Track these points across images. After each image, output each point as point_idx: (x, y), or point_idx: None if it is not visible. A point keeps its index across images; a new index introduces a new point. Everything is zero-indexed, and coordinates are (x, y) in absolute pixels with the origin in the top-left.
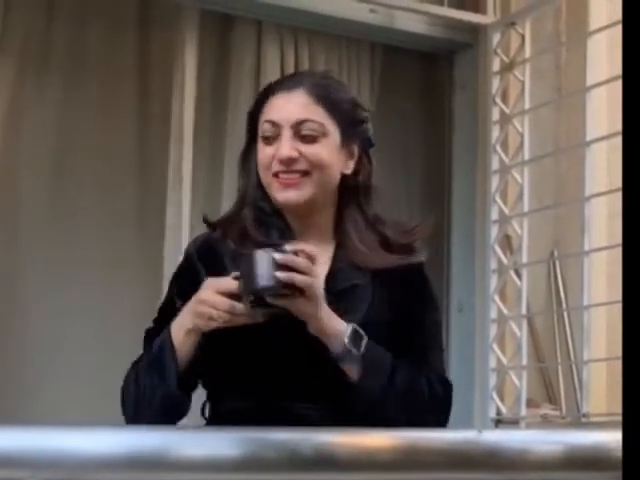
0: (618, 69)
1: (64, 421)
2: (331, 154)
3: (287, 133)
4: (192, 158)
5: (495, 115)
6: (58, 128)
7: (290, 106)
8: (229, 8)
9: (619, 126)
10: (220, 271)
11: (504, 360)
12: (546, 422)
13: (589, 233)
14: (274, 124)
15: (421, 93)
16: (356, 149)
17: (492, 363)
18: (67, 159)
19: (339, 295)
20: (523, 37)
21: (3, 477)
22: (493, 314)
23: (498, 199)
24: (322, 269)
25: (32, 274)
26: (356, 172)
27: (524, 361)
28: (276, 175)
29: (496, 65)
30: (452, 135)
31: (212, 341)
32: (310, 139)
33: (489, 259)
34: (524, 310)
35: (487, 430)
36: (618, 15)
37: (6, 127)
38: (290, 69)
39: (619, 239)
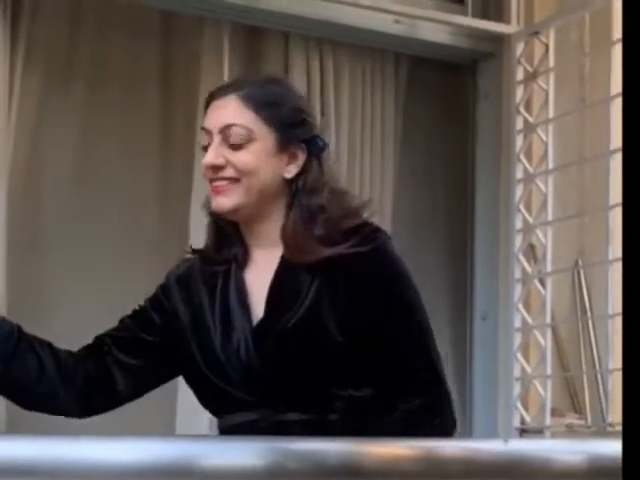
0: None
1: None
2: (261, 159)
3: (216, 139)
4: None
5: (519, 124)
6: (82, 136)
7: (220, 112)
8: (255, 20)
9: None
10: (195, 293)
11: (528, 369)
12: (571, 431)
13: (613, 242)
14: (207, 131)
15: (445, 103)
16: (300, 152)
17: (516, 372)
18: (90, 166)
19: (280, 300)
20: (547, 46)
21: None
22: (517, 323)
23: (522, 208)
24: (269, 273)
25: (56, 273)
26: (301, 175)
27: (548, 370)
28: (210, 182)
29: (520, 74)
30: (476, 144)
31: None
32: (237, 146)
33: (513, 268)
34: (548, 319)
35: (513, 439)
36: None
37: (32, 135)
38: (316, 80)
39: None
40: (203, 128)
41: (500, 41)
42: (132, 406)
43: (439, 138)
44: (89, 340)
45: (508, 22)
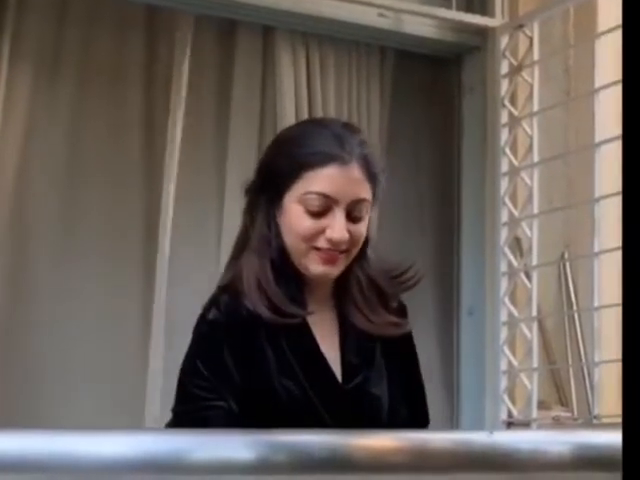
0: None
1: (75, 421)
2: (366, 227)
3: (341, 212)
4: (197, 167)
5: (504, 118)
6: (69, 130)
7: (348, 183)
8: (240, 15)
9: None
10: (255, 347)
11: (515, 362)
12: (558, 424)
13: (599, 234)
14: (328, 199)
15: (430, 96)
16: (376, 204)
17: (503, 366)
18: (78, 159)
19: (351, 362)
20: (531, 40)
21: None
22: (503, 317)
23: (508, 201)
24: (333, 331)
25: (41, 276)
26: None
27: (535, 363)
28: (317, 249)
29: (504, 68)
30: (461, 138)
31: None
32: (358, 219)
33: (499, 262)
34: (534, 312)
35: (497, 431)
36: None
37: (19, 130)
38: (302, 74)
39: None
40: (321, 193)
41: (485, 34)
42: None
43: (424, 132)
44: (75, 342)
45: (492, 15)
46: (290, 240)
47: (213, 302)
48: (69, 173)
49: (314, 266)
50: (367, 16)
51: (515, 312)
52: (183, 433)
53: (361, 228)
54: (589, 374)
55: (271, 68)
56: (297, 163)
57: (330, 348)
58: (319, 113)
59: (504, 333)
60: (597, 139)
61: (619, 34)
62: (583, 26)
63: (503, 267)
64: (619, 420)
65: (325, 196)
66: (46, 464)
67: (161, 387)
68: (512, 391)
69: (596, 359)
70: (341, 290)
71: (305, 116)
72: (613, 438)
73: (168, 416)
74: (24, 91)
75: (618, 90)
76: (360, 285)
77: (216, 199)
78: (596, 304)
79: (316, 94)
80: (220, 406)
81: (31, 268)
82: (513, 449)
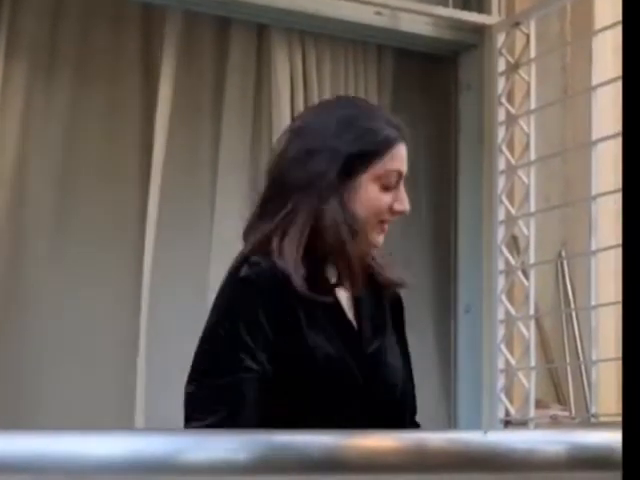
0: None
1: (66, 422)
2: None
3: (402, 184)
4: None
5: (501, 115)
6: (65, 127)
7: (404, 159)
8: (236, 13)
9: None
10: (288, 305)
11: (512, 361)
12: (555, 423)
13: (596, 232)
14: (400, 175)
15: (427, 94)
16: None
17: (500, 364)
18: (73, 156)
19: (372, 330)
20: (528, 37)
21: None
22: (501, 315)
23: (505, 199)
24: (349, 309)
25: (35, 274)
26: None
27: (532, 362)
28: (382, 221)
29: (501, 65)
30: (458, 136)
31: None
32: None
33: (496, 260)
34: (532, 310)
35: (492, 431)
36: None
37: (16, 127)
38: (298, 73)
39: None
40: (397, 170)
41: (482, 32)
42: None
43: (421, 130)
44: (70, 335)
45: (489, 13)
46: (362, 215)
47: (243, 261)
48: (65, 169)
49: (376, 238)
50: (364, 14)
51: (512, 310)
52: (176, 433)
53: None
54: (587, 373)
55: (266, 66)
56: (379, 146)
57: (350, 316)
58: None
59: (501, 331)
60: (594, 137)
61: (616, 31)
62: (580, 23)
63: (500, 265)
64: (617, 419)
65: (398, 173)
66: (37, 465)
67: (150, 384)
68: (509, 390)
69: (594, 358)
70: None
71: None
72: (607, 438)
73: (158, 414)
74: (20, 87)
75: (615, 87)
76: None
77: (208, 197)
78: (593, 302)
79: (312, 93)
80: (255, 370)
81: (25, 265)
82: (508, 449)
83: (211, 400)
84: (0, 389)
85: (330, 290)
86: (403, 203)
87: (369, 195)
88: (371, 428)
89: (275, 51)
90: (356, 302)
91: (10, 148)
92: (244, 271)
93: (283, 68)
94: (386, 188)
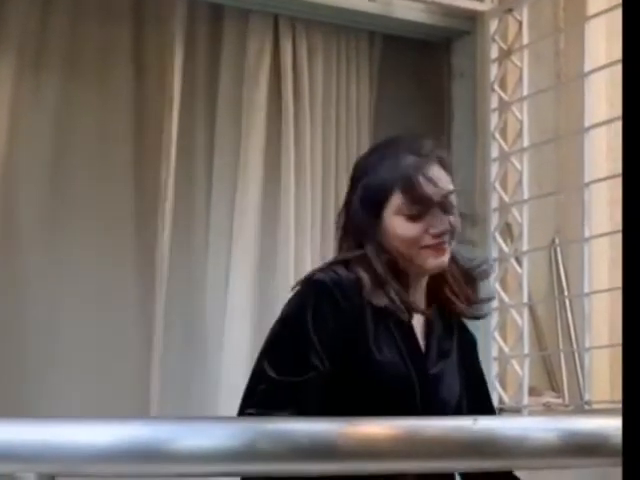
0: (616, 54)
1: (63, 410)
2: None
3: (436, 208)
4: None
5: (494, 102)
6: (56, 121)
7: (438, 180)
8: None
9: (618, 111)
10: (357, 315)
11: (506, 349)
12: (549, 410)
13: (589, 219)
14: (422, 201)
15: (419, 81)
16: None
17: (494, 352)
18: (65, 151)
19: (437, 353)
20: (521, 23)
21: None
22: (494, 302)
23: (498, 187)
24: (420, 330)
25: (30, 273)
26: None
27: (526, 349)
28: (426, 247)
29: (494, 52)
30: (451, 123)
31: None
32: (451, 209)
33: (490, 247)
34: (525, 298)
35: (481, 418)
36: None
37: (5, 122)
38: (288, 60)
39: (620, 225)
40: (414, 199)
41: (474, 19)
42: None
43: (414, 117)
44: (65, 331)
45: (482, 0)
46: (401, 249)
47: (319, 269)
48: (57, 164)
49: (427, 261)
50: (356, 0)
51: (506, 298)
52: (167, 421)
53: (454, 217)
54: (580, 360)
55: (259, 54)
56: (383, 184)
57: (419, 337)
58: (306, 98)
59: (495, 319)
60: (587, 123)
61: (609, 17)
62: (573, 9)
63: (494, 253)
64: (610, 406)
65: (419, 200)
66: (24, 453)
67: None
68: (503, 377)
69: (587, 345)
70: (436, 283)
71: (290, 102)
72: (600, 424)
73: (169, 404)
74: (9, 81)
75: (608, 73)
76: (454, 275)
77: (204, 188)
78: (587, 289)
79: (303, 80)
80: (321, 370)
81: (21, 260)
82: (497, 435)
83: (279, 398)
84: (5, 383)
85: (408, 309)
86: (437, 227)
87: (395, 230)
88: None
89: (265, 37)
90: (428, 323)
91: (0, 143)
92: (319, 275)
93: (273, 55)
94: (412, 218)
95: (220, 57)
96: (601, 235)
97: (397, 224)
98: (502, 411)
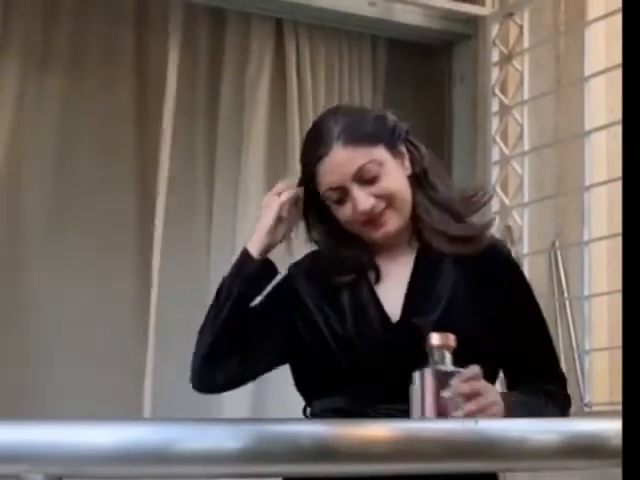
0: (616, 58)
1: (67, 410)
2: (395, 177)
3: (354, 187)
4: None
5: (494, 106)
6: (60, 121)
7: (340, 165)
8: (230, 3)
9: (618, 115)
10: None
11: None
12: None
13: (589, 223)
14: (335, 189)
15: (420, 85)
16: (401, 145)
17: None
18: (69, 150)
19: (420, 301)
20: (521, 28)
21: (1, 472)
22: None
23: (498, 190)
24: (404, 275)
25: (33, 267)
26: (412, 165)
27: None
28: (364, 223)
29: (495, 56)
30: (451, 126)
31: (305, 345)
32: (374, 179)
33: None
34: None
35: (483, 419)
36: (616, 4)
37: (9, 122)
38: (292, 64)
39: (620, 228)
40: (329, 188)
41: (475, 23)
42: None
43: (415, 120)
44: (63, 333)
45: (483, 4)
46: (347, 227)
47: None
48: (60, 164)
49: (372, 234)
50: (357, 4)
51: None
52: (170, 423)
53: (384, 184)
54: (580, 362)
55: (262, 57)
56: (305, 177)
57: (394, 290)
58: (309, 103)
59: None
60: (587, 127)
61: (609, 22)
62: (573, 14)
63: None
64: (609, 408)
65: (332, 189)
66: (30, 454)
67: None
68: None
69: (587, 347)
70: (416, 229)
71: (294, 106)
72: (600, 426)
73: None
74: (13, 81)
75: (608, 78)
76: (429, 211)
77: (206, 189)
78: (587, 292)
79: (306, 84)
80: None
81: (22, 259)
82: (500, 437)
83: None
84: (6, 383)
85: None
86: (358, 206)
87: (337, 213)
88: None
89: (268, 42)
90: (415, 270)
91: (3, 146)
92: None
93: (276, 59)
94: (339, 202)
95: (222, 61)
96: (601, 238)
97: (333, 209)
98: None
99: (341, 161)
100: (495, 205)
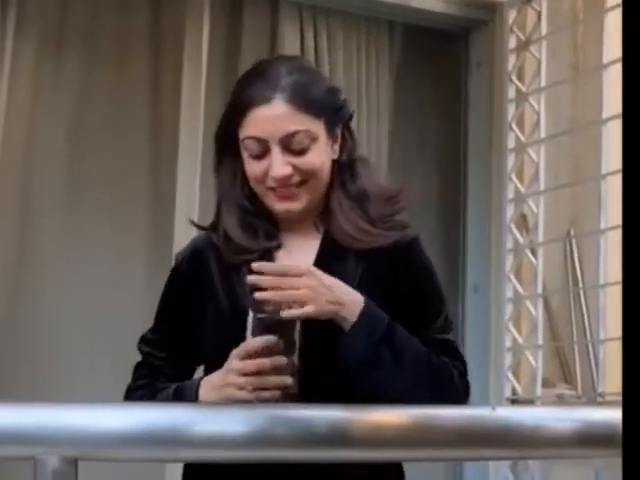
0: None
1: (81, 393)
2: (322, 156)
3: (276, 149)
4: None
5: (511, 93)
6: (76, 104)
7: (274, 121)
8: None
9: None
10: (209, 284)
11: (520, 340)
12: (561, 402)
13: (605, 211)
14: (260, 141)
15: (437, 71)
16: (338, 131)
17: (508, 343)
18: (84, 134)
19: None
20: (539, 14)
21: (17, 454)
22: (509, 293)
23: (514, 178)
24: (309, 259)
25: (45, 254)
26: (340, 152)
27: (540, 340)
28: (271, 189)
29: (512, 43)
30: (468, 113)
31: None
32: (301, 150)
33: (505, 238)
34: (540, 289)
35: (500, 407)
36: None
37: (24, 105)
38: (310, 49)
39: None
40: (253, 137)
41: (493, 9)
42: None
43: (431, 106)
44: (76, 318)
45: None
46: (252, 185)
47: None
48: (75, 147)
49: (275, 205)
50: None
51: (520, 289)
52: (182, 407)
53: (309, 158)
54: (594, 352)
55: (278, 42)
56: (232, 113)
57: None
58: None
59: (509, 310)
60: (604, 115)
61: None
62: (591, 1)
63: (509, 244)
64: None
65: (256, 139)
66: (46, 437)
67: None
68: (516, 368)
69: (601, 337)
70: (325, 214)
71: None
72: (614, 415)
73: None
74: (30, 64)
75: None
76: (341, 202)
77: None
78: (602, 281)
79: (324, 68)
80: None
81: (36, 240)
82: (516, 424)
83: None
84: (12, 361)
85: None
86: (272, 169)
87: (248, 167)
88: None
89: (285, 26)
90: (319, 259)
91: (20, 126)
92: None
93: (293, 44)
94: (255, 156)
95: (240, 45)
96: (616, 227)
97: (245, 159)
98: (515, 402)
99: (277, 116)
100: (510, 193)
